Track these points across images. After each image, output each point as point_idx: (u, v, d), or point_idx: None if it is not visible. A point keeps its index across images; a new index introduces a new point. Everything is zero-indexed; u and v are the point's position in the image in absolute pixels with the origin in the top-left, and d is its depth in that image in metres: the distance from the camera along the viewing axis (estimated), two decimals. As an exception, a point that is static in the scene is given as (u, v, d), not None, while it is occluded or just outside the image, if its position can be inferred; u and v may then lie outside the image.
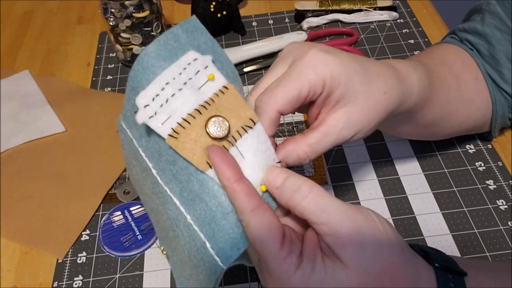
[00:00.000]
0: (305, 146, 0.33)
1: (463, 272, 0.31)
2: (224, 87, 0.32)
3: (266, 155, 0.31)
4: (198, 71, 0.31)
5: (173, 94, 0.30)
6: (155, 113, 0.30)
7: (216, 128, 0.30)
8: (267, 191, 0.31)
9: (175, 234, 0.32)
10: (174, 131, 0.30)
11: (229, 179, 0.29)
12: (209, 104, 0.31)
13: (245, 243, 0.30)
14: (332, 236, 0.29)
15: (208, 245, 0.30)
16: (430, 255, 0.32)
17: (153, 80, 0.30)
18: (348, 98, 0.33)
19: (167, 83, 0.30)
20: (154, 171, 0.32)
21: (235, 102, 0.31)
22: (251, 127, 0.31)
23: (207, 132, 0.30)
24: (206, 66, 0.32)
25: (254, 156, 0.31)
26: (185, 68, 0.31)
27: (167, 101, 0.30)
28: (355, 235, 0.28)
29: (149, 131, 0.31)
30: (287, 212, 0.33)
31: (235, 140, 0.31)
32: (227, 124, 0.30)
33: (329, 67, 0.33)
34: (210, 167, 0.30)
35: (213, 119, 0.30)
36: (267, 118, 0.32)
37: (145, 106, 0.30)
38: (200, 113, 0.30)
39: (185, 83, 0.31)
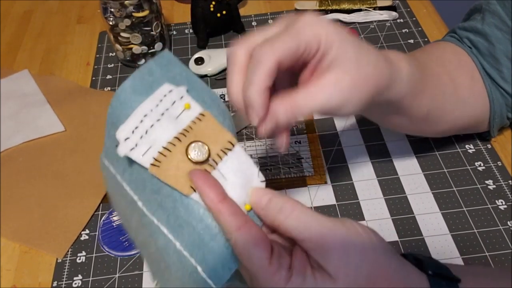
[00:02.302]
0: (290, 104, 0.34)
1: (457, 279, 0.32)
2: (201, 114, 0.32)
3: (248, 174, 0.32)
4: (174, 101, 0.32)
5: (152, 125, 0.31)
6: (136, 145, 0.31)
7: (196, 152, 0.31)
8: (251, 209, 0.31)
9: (166, 264, 0.32)
10: (156, 160, 0.31)
11: (213, 200, 0.29)
12: (188, 132, 0.32)
13: (236, 262, 0.30)
14: (316, 250, 0.29)
15: (199, 269, 0.30)
16: (423, 263, 0.32)
17: (132, 114, 0.31)
18: (339, 63, 0.34)
19: (145, 115, 0.31)
20: (139, 203, 0.32)
21: (212, 128, 0.32)
22: (230, 149, 0.32)
23: (188, 157, 0.31)
24: (182, 97, 0.33)
25: (236, 177, 0.31)
26: (161, 100, 0.32)
27: (146, 132, 0.31)
28: (338, 247, 0.29)
29: (131, 164, 0.32)
30: (274, 230, 0.33)
31: (216, 163, 0.31)
32: (207, 148, 0.31)
33: (325, 28, 0.34)
34: (194, 191, 0.30)
35: (192, 144, 0.31)
36: (266, 68, 0.33)
37: (125, 139, 0.31)
38: (180, 140, 0.31)
39: (162, 114, 0.32)
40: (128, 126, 0.31)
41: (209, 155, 0.31)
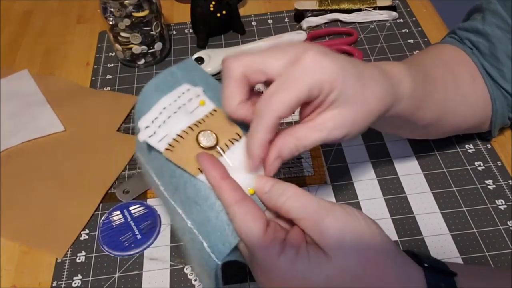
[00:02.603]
0: (293, 140, 0.34)
1: (453, 273, 0.32)
2: (214, 110, 0.37)
3: None
4: (191, 98, 0.37)
5: (169, 116, 0.36)
6: (154, 133, 0.35)
7: (205, 139, 0.35)
8: (254, 194, 0.34)
9: (185, 241, 0.36)
10: (170, 145, 0.35)
11: (215, 177, 0.32)
12: (200, 123, 0.36)
13: (236, 238, 0.32)
14: (313, 229, 0.30)
15: (205, 244, 0.33)
16: (420, 257, 0.32)
17: (153, 107, 0.36)
18: (341, 100, 0.34)
19: (164, 108, 0.36)
20: (161, 188, 0.37)
21: (222, 121, 0.36)
22: (237, 140, 0.35)
23: (198, 143, 0.35)
24: (198, 95, 0.37)
25: (241, 164, 0.34)
26: (179, 97, 0.37)
27: (164, 122, 0.36)
28: (335, 226, 0.30)
29: (152, 153, 0.36)
30: (277, 215, 0.34)
31: (223, 151, 0.35)
32: (215, 136, 0.35)
33: (327, 71, 0.33)
34: (202, 172, 0.34)
35: (202, 132, 0.35)
36: (267, 125, 0.33)
37: (145, 128, 0.35)
38: (192, 129, 0.35)
39: (179, 108, 0.36)
40: (149, 116, 0.36)
41: (216, 143, 0.35)
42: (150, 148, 0.36)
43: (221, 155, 0.34)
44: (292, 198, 0.31)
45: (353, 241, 0.30)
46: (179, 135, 0.35)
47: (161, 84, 0.38)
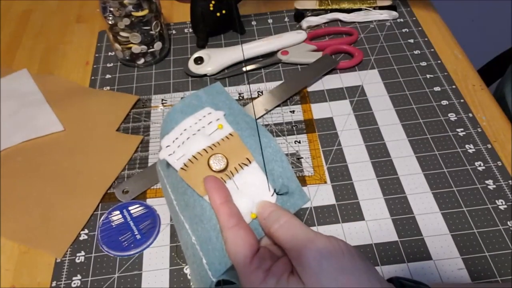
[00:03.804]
0: None
1: None
2: (230, 134, 0.39)
3: (260, 188, 0.37)
4: (211, 122, 0.40)
5: (188, 138, 0.39)
6: (174, 152, 0.38)
7: (215, 162, 0.37)
8: (256, 218, 0.35)
9: (187, 255, 0.38)
10: (185, 165, 0.37)
11: (215, 201, 0.34)
12: (215, 146, 0.38)
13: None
14: (295, 259, 0.31)
15: (204, 260, 0.35)
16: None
17: (175, 127, 0.40)
18: None
19: (185, 130, 0.40)
20: (174, 203, 0.39)
21: (236, 145, 0.38)
22: (247, 165, 0.37)
23: (209, 166, 0.37)
24: (218, 119, 0.40)
25: (247, 188, 0.36)
26: (200, 119, 0.40)
27: (183, 143, 0.39)
28: (313, 258, 0.30)
29: (171, 170, 0.39)
30: (274, 242, 0.35)
31: (233, 175, 0.37)
32: (225, 160, 0.37)
33: None
34: None
35: (213, 155, 0.37)
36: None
37: (166, 146, 0.39)
38: (207, 152, 0.38)
39: (198, 130, 0.39)
40: (170, 136, 0.39)
41: (226, 166, 0.37)
42: (168, 165, 0.39)
43: (230, 178, 0.37)
44: (283, 227, 0.33)
45: (331, 272, 0.30)
46: (194, 156, 0.37)
47: (186, 106, 0.41)
